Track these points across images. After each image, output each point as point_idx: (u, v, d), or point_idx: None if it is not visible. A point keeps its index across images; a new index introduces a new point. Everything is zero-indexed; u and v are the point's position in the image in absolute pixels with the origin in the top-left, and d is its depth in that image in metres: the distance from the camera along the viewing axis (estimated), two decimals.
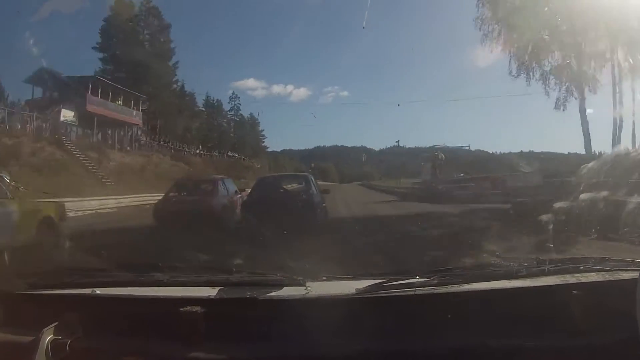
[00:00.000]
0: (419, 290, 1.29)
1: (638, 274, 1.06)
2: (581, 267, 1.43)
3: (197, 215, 7.51)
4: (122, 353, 1.26)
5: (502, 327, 1.21)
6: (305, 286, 1.38)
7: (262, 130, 39.09)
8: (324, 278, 1.49)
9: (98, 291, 1.45)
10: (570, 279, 1.38)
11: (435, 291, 1.31)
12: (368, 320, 1.25)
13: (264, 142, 40.01)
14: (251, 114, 38.55)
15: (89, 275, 1.60)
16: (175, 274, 1.56)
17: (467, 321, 1.23)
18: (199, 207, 8.23)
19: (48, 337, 1.24)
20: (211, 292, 1.38)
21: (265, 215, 6.43)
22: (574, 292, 1.23)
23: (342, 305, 1.28)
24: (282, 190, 8.22)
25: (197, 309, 1.25)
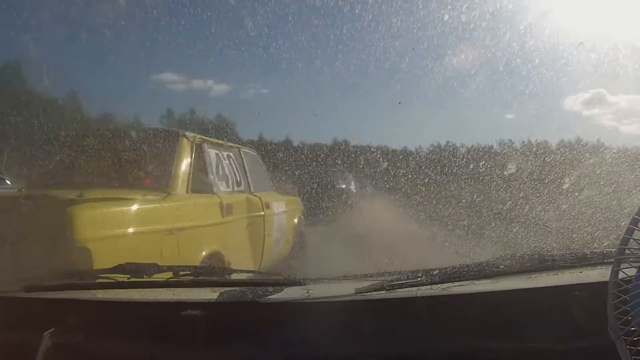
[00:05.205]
0: (421, 291, 1.29)
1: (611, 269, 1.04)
2: (584, 265, 1.42)
3: None
4: (123, 357, 1.26)
5: (505, 329, 1.20)
6: (306, 287, 1.38)
7: None
8: (325, 280, 1.49)
9: (99, 294, 1.45)
10: (573, 278, 1.37)
11: (438, 292, 1.30)
12: (369, 322, 1.24)
13: None
14: None
15: (90, 277, 1.60)
16: (176, 275, 1.56)
17: (470, 323, 1.22)
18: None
19: (48, 341, 1.24)
20: (212, 294, 1.38)
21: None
22: (576, 293, 1.22)
23: (342, 307, 1.27)
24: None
25: (198, 312, 1.25)
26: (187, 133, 3.23)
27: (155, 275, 1.54)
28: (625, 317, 0.96)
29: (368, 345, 1.20)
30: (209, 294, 1.37)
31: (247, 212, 3.66)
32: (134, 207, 2.56)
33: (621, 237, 0.99)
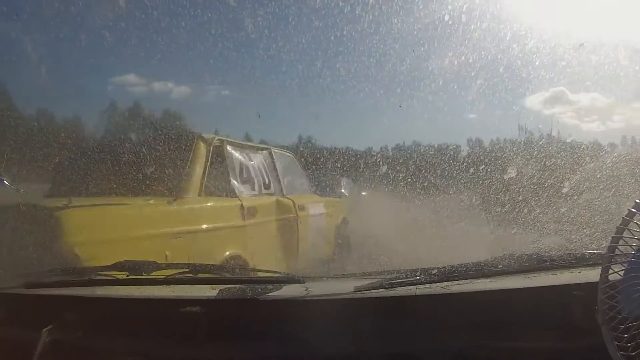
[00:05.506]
0: (420, 290, 1.29)
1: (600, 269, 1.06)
2: (582, 265, 1.43)
3: None
4: (122, 354, 1.26)
5: (503, 328, 1.20)
6: (305, 284, 1.38)
7: None
8: (324, 278, 1.49)
9: (98, 291, 1.45)
10: (572, 277, 1.37)
11: (436, 291, 1.30)
12: (368, 320, 1.24)
13: None
14: None
15: (88, 274, 1.60)
16: (175, 272, 1.56)
17: (468, 321, 1.22)
18: None
19: (47, 337, 1.24)
20: (211, 291, 1.38)
21: None
22: (575, 292, 1.22)
23: (341, 305, 1.27)
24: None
25: (197, 309, 1.25)
26: (204, 135, 3.19)
27: (154, 273, 1.54)
28: (614, 322, 0.97)
29: (367, 342, 1.20)
30: (208, 291, 1.38)
31: (276, 214, 3.60)
32: (134, 211, 2.61)
33: (609, 243, 1.03)
